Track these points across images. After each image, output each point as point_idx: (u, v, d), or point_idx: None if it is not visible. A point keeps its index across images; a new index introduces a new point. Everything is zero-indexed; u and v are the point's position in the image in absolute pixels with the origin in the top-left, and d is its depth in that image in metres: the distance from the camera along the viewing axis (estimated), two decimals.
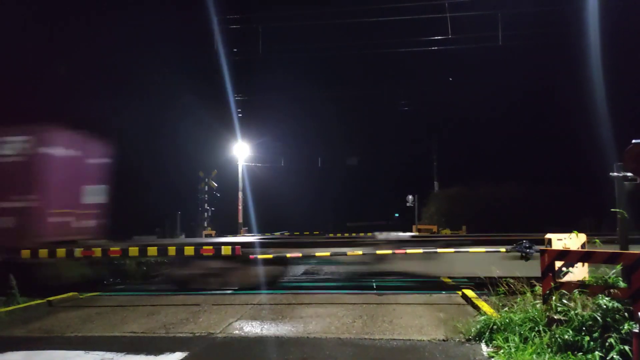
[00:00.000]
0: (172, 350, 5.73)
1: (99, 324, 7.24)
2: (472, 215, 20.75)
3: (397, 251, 10.03)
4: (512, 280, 6.84)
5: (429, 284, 10.56)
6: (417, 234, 20.99)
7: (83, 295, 9.92)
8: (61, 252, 10.03)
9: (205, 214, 22.31)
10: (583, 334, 4.81)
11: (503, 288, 6.88)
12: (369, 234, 24.37)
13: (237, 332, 6.62)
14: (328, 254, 10.37)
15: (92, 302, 9.22)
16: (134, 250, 10.34)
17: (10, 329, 7.03)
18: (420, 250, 9.96)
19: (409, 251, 9.95)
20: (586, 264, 6.32)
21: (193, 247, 10.45)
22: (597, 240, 6.47)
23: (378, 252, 10.35)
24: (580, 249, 6.54)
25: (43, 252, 9.96)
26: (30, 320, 7.58)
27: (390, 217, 48.52)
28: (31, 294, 8.99)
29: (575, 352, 4.71)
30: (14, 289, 8.59)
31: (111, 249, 10.32)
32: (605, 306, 4.82)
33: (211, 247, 10.31)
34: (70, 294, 9.59)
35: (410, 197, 26.54)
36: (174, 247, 10.49)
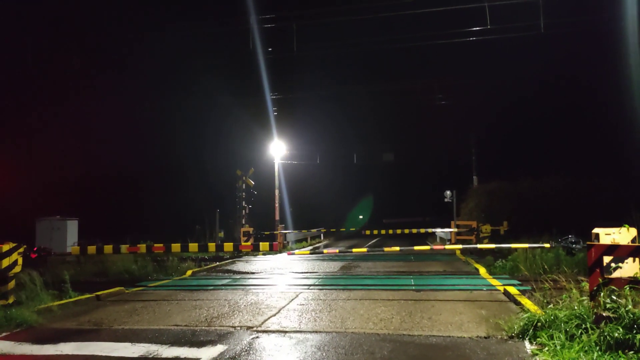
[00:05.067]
0: (214, 344, 5.88)
1: (144, 317, 7.52)
2: (514, 210, 20.14)
3: (435, 247, 9.93)
4: (555, 277, 6.62)
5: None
6: (456, 230, 20.62)
7: (129, 289, 10.30)
8: (108, 248, 10.47)
9: (243, 211, 22.62)
10: (634, 332, 4.60)
11: (547, 284, 6.67)
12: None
13: (275, 326, 6.72)
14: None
15: (137, 297, 9.56)
16: (175, 247, 10.66)
17: (63, 322, 7.40)
18: (460, 246, 9.80)
19: (447, 247, 9.79)
20: (637, 260, 6.04)
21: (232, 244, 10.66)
22: None
23: (416, 248, 10.27)
24: (630, 244, 6.24)
25: (91, 249, 10.44)
26: (80, 314, 7.95)
27: (427, 213, 47.85)
28: (81, 288, 9.42)
29: (626, 351, 4.52)
30: (66, 283, 9.01)
31: (155, 245, 10.66)
32: None
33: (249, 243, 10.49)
34: (117, 288, 9.98)
35: (448, 192, 26.02)
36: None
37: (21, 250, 7.87)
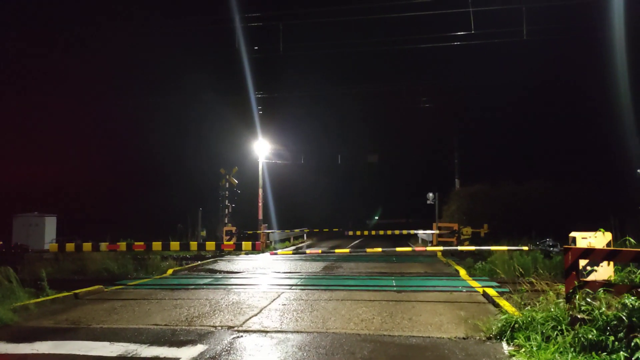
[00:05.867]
0: (194, 343, 5.85)
1: (123, 316, 7.43)
2: (494, 214, 20.43)
3: (417, 249, 10.02)
4: (533, 281, 6.76)
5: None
6: (438, 232, 20.82)
7: (108, 288, 10.16)
8: (87, 246, 10.31)
9: (226, 210, 22.47)
10: (607, 333, 4.72)
11: (525, 286, 6.80)
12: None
13: (257, 326, 6.71)
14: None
15: (116, 295, 9.44)
16: (157, 245, 10.56)
17: (39, 320, 7.27)
18: (441, 248, 9.92)
19: (429, 248, 9.90)
20: (612, 263, 6.20)
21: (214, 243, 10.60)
22: (629, 239, 6.31)
23: (398, 249, 10.34)
24: (605, 248, 6.41)
25: (70, 246, 10.27)
26: (57, 312, 7.82)
27: (409, 215, 48.27)
28: (59, 286, 9.26)
29: (599, 352, 4.63)
30: (43, 281, 8.84)
31: (135, 243, 10.55)
32: (631, 306, 4.72)
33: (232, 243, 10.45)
34: (96, 287, 9.84)
35: (430, 194, 26.23)
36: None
37: None
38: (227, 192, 22.47)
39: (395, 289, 9.92)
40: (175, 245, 11.03)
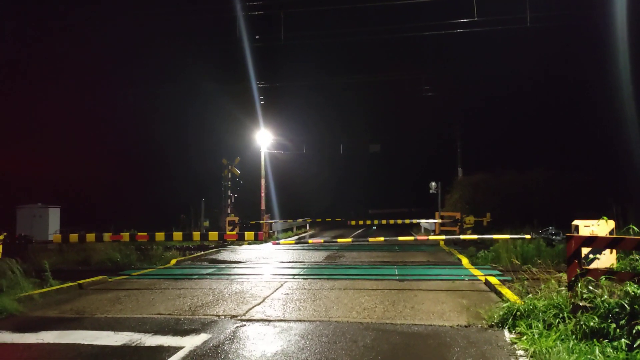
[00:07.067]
0: (198, 332, 5.89)
1: (127, 306, 7.48)
2: (497, 202, 20.41)
3: (419, 238, 10.03)
4: (535, 269, 6.76)
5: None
6: (440, 221, 20.83)
7: (112, 278, 10.22)
8: (91, 236, 10.36)
9: (229, 200, 22.50)
10: (609, 321, 4.72)
11: (527, 275, 6.80)
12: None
13: (260, 315, 6.75)
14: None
15: (120, 285, 9.50)
16: (160, 235, 10.60)
17: (44, 310, 7.33)
18: (443, 237, 9.92)
19: (431, 237, 9.91)
20: (614, 251, 6.20)
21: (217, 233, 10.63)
22: (632, 227, 6.29)
23: (400, 238, 10.36)
24: (608, 236, 6.40)
25: (74, 237, 10.32)
26: (62, 302, 7.88)
27: (412, 204, 48.23)
28: (63, 276, 9.32)
29: (601, 340, 4.64)
30: (47, 271, 8.90)
31: (139, 234, 10.59)
32: (633, 293, 4.72)
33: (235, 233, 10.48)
34: (100, 277, 9.90)
35: (433, 183, 26.20)
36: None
37: (1, 237, 7.74)
38: (229, 183, 22.49)
39: (397, 277, 9.94)
40: (178, 235, 11.09)
